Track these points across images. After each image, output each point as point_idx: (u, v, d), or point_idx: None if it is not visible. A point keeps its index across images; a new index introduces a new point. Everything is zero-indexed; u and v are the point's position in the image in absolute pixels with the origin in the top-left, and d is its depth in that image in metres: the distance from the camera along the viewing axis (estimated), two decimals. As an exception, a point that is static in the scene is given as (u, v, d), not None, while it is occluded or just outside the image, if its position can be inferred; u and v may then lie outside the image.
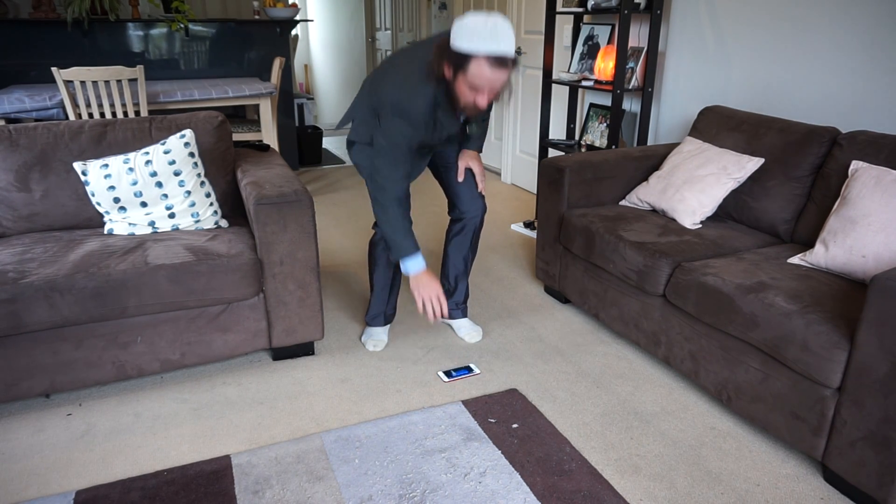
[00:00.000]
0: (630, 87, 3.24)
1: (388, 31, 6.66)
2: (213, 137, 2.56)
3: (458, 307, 2.57)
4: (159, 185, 2.30)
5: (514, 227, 3.89)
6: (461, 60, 1.81)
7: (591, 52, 3.55)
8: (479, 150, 2.39)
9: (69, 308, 1.94)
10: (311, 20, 5.45)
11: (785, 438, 1.82)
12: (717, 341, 2.00)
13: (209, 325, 2.17)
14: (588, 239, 2.49)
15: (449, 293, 2.55)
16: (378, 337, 2.49)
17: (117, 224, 2.33)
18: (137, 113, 3.72)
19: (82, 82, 3.50)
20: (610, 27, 3.45)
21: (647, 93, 3.23)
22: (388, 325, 2.57)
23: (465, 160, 2.33)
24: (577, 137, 3.87)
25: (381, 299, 2.47)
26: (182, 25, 4.56)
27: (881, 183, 1.93)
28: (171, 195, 2.32)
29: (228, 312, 2.18)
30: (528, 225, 3.83)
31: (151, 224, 2.33)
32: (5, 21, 4.23)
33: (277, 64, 4.33)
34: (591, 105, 3.66)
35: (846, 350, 1.62)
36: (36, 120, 3.75)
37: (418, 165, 2.23)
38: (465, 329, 2.54)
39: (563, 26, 4.04)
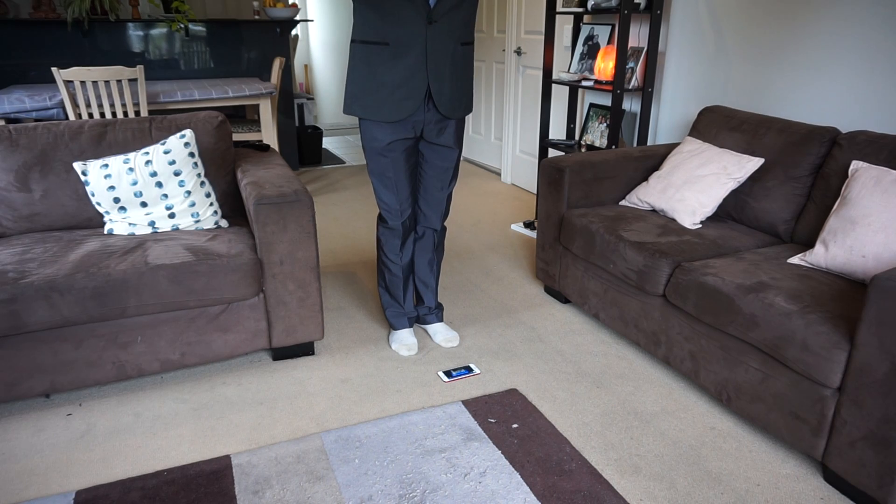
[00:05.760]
0: (630, 87, 3.24)
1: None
2: (213, 137, 2.56)
3: (432, 312, 2.56)
4: (159, 185, 2.30)
5: (514, 227, 3.89)
6: None
7: (591, 52, 3.55)
8: (457, 116, 2.22)
9: (69, 308, 1.94)
10: (311, 20, 5.45)
11: (785, 438, 1.82)
12: (717, 341, 2.00)
13: (209, 325, 2.17)
14: (588, 239, 2.49)
15: (419, 299, 2.57)
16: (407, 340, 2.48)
17: (117, 224, 2.33)
18: (137, 113, 3.72)
19: (82, 82, 3.50)
20: (610, 27, 3.45)
21: (647, 93, 3.23)
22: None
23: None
24: (577, 137, 3.87)
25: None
26: (182, 25, 4.56)
27: (881, 183, 1.93)
28: (171, 195, 2.32)
29: (228, 312, 2.18)
30: (528, 225, 3.83)
31: (151, 224, 2.33)
32: (5, 21, 4.23)
33: (277, 64, 4.33)
34: (591, 105, 3.66)
35: (846, 350, 1.62)
36: (36, 120, 3.75)
37: (403, 168, 2.22)
38: (441, 334, 2.52)
39: (563, 26, 4.04)
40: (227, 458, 1.85)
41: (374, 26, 2.03)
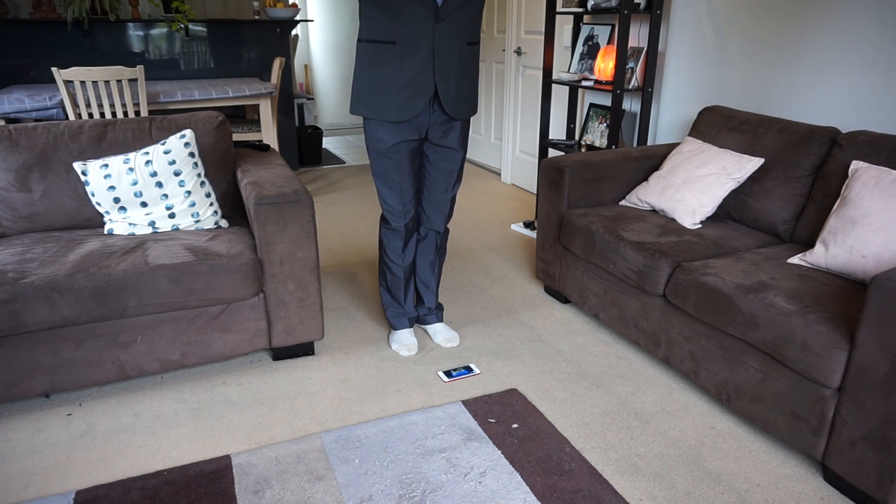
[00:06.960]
0: (630, 87, 3.24)
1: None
2: (213, 137, 2.56)
3: (432, 312, 2.56)
4: (159, 185, 2.30)
5: (514, 227, 3.89)
6: None
7: (591, 52, 3.55)
8: (463, 117, 2.21)
9: (69, 308, 1.94)
10: (311, 20, 5.45)
11: (785, 438, 1.82)
12: (717, 341, 2.00)
13: (209, 325, 2.17)
14: (588, 239, 2.49)
15: (420, 299, 2.57)
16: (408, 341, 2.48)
17: (117, 224, 2.33)
18: (137, 113, 3.72)
19: (82, 82, 3.50)
20: (610, 27, 3.45)
21: (647, 93, 3.23)
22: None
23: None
24: (577, 137, 3.87)
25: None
26: (182, 25, 4.56)
27: (881, 183, 1.93)
28: (171, 195, 2.32)
29: (228, 312, 2.18)
30: (528, 225, 3.83)
31: (151, 224, 2.33)
32: (5, 21, 4.23)
33: (277, 64, 4.33)
34: (591, 105, 3.66)
35: (846, 350, 1.62)
36: (36, 120, 3.75)
37: (406, 170, 2.22)
38: (441, 335, 2.52)
39: (563, 26, 4.04)
40: (227, 458, 1.85)
41: (382, 25, 2.02)
